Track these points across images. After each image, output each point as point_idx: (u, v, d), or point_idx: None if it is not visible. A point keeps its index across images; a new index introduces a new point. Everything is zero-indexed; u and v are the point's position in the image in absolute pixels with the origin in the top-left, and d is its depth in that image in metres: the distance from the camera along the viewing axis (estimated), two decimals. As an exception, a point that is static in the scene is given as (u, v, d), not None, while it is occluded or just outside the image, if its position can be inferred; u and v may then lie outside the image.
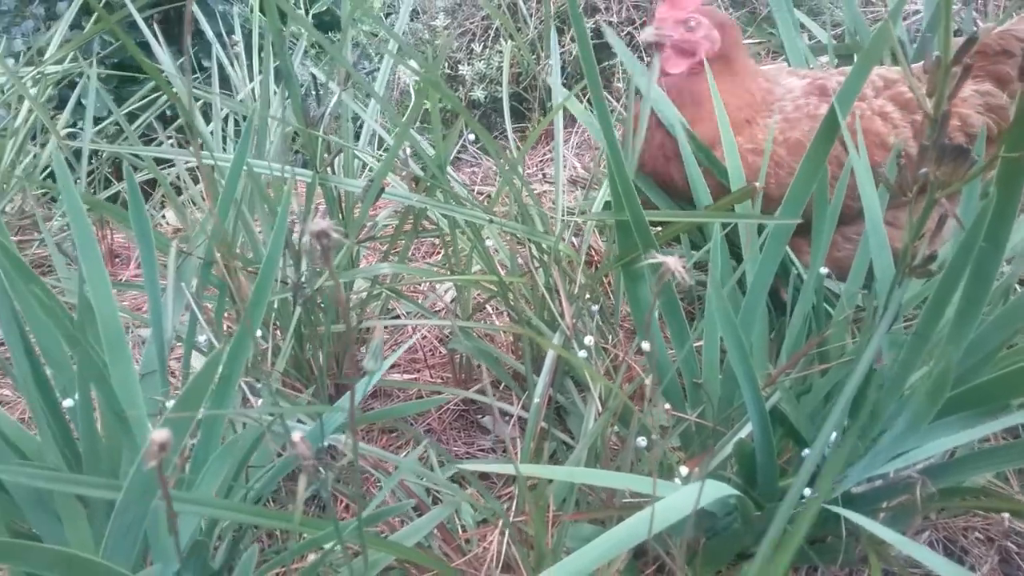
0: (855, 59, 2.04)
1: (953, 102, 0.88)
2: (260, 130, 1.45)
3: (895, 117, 1.51)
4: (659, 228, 1.31)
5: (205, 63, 3.35)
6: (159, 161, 2.33)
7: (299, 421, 1.29)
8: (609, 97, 2.55)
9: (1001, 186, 0.93)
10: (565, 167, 2.46)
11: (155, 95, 2.75)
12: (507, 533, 1.24)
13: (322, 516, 1.47)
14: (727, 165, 1.38)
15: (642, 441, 1.22)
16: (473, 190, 2.37)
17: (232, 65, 2.66)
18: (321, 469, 0.67)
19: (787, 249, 1.39)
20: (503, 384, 1.68)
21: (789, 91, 1.56)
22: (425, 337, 1.87)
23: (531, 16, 2.68)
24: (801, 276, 1.24)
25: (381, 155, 2.31)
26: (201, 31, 3.27)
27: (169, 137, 2.43)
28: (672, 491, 0.97)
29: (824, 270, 1.20)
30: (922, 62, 1.62)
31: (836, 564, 1.32)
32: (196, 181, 2.00)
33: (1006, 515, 1.39)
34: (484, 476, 1.54)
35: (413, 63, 2.37)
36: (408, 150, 1.50)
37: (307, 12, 3.47)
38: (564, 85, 2.42)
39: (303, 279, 1.31)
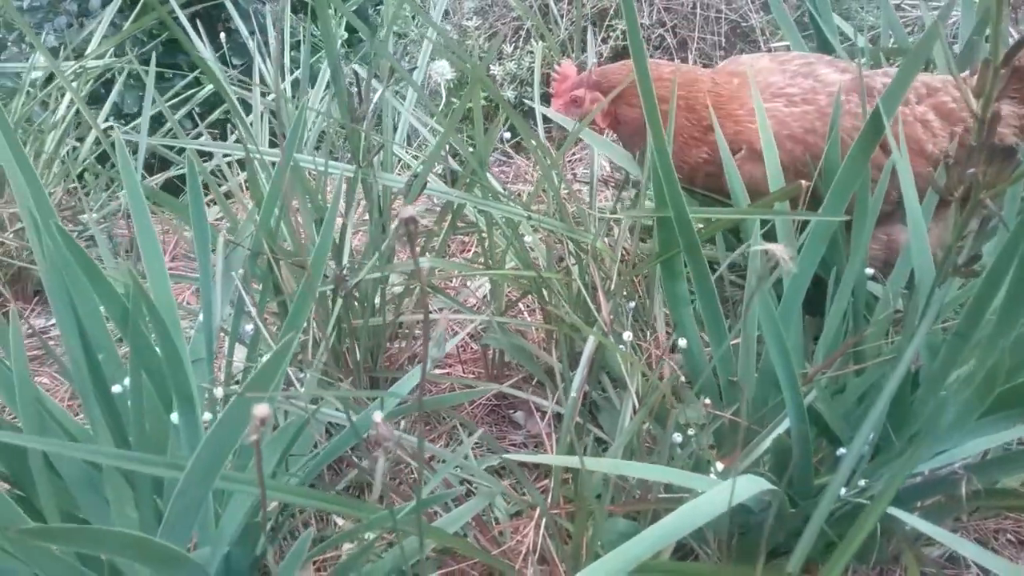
0: (883, 60, 2.05)
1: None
2: (300, 125, 1.47)
3: (935, 126, 1.52)
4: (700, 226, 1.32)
5: (235, 61, 3.38)
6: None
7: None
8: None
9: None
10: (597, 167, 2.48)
11: (187, 93, 2.79)
12: (543, 525, 1.26)
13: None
14: (766, 161, 1.37)
15: (677, 437, 1.24)
16: (505, 189, 2.39)
17: (265, 62, 2.70)
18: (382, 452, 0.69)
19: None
20: (535, 380, 1.70)
21: (827, 84, 1.56)
22: (456, 333, 1.89)
23: (562, 17, 2.69)
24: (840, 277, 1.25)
25: (416, 152, 2.33)
26: (233, 29, 3.31)
27: (200, 134, 2.46)
28: (709, 486, 0.98)
29: (869, 271, 1.21)
30: (967, 71, 1.62)
31: (869, 563, 1.32)
32: (236, 173, 2.02)
33: (1039, 518, 1.40)
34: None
35: (446, 60, 2.39)
36: (446, 147, 1.52)
37: (335, 12, 3.49)
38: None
39: (345, 272, 1.33)
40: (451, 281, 1.93)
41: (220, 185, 1.84)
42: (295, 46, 3.17)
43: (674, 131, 1.50)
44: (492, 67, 2.85)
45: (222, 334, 1.34)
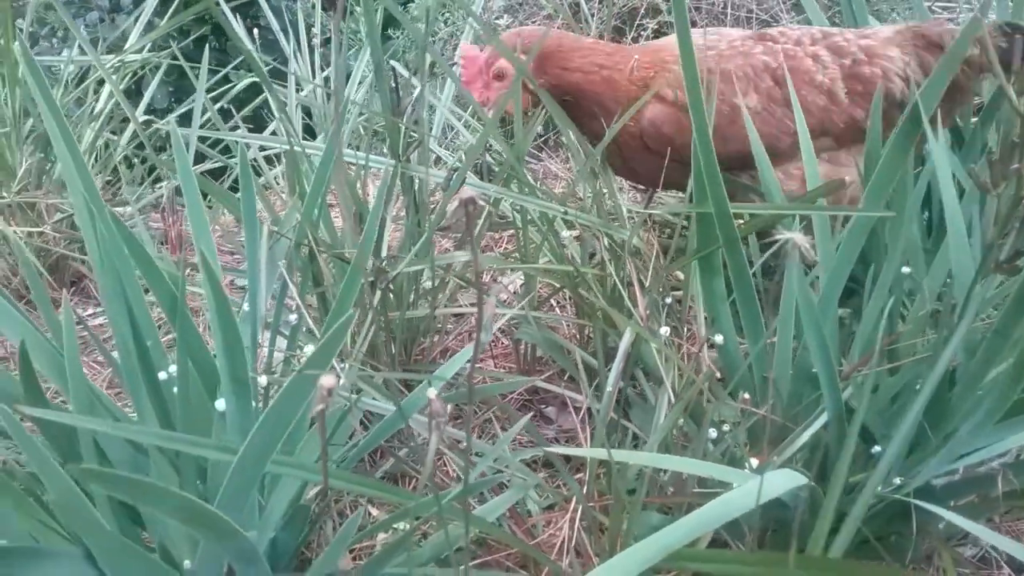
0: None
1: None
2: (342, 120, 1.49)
3: (825, 59, 1.69)
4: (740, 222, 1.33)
5: (265, 58, 3.41)
6: (224, 150, 2.39)
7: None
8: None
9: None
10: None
11: (220, 89, 2.82)
12: (578, 517, 1.27)
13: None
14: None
15: (712, 432, 1.25)
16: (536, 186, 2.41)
17: (296, 59, 2.73)
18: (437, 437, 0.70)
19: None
20: (566, 375, 1.71)
21: (726, 38, 1.76)
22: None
23: (592, 16, 2.71)
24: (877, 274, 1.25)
25: (448, 147, 2.35)
26: (263, 26, 3.34)
27: (237, 127, 2.49)
28: (745, 480, 0.99)
29: (906, 269, 1.21)
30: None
31: (903, 561, 1.33)
32: (271, 166, 2.05)
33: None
34: (548, 465, 1.57)
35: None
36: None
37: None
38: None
39: (384, 264, 1.35)
40: (482, 276, 1.95)
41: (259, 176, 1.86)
42: (324, 43, 3.20)
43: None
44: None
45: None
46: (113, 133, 2.49)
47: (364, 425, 1.53)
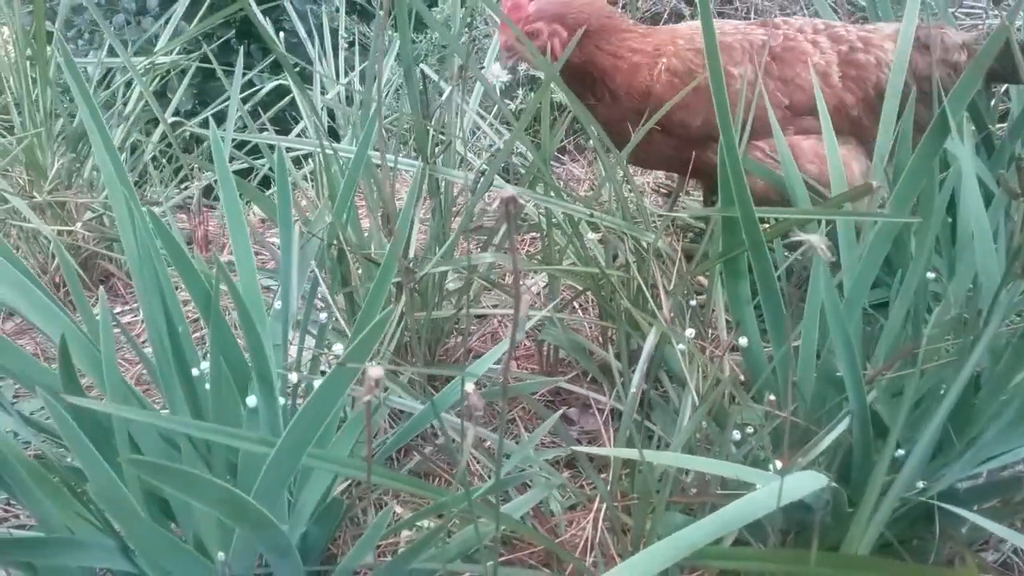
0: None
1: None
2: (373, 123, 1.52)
3: (824, 44, 1.76)
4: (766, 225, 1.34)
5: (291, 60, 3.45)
6: (250, 151, 2.42)
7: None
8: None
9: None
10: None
11: (245, 93, 2.85)
12: (602, 517, 1.28)
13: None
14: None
15: (736, 435, 1.25)
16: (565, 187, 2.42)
17: (320, 62, 2.75)
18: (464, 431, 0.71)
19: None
20: (588, 377, 1.72)
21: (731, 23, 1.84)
22: (510, 328, 1.92)
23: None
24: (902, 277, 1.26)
25: (473, 149, 2.37)
26: (288, 30, 3.38)
27: (264, 129, 2.52)
28: (769, 481, 0.99)
29: (931, 274, 1.22)
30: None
31: (926, 564, 1.33)
32: (298, 167, 2.07)
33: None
34: (570, 465, 1.58)
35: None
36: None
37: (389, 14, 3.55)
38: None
39: (412, 264, 1.37)
40: (506, 278, 1.96)
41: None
42: (348, 46, 3.23)
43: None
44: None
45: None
46: (142, 134, 2.53)
47: (392, 424, 1.55)
